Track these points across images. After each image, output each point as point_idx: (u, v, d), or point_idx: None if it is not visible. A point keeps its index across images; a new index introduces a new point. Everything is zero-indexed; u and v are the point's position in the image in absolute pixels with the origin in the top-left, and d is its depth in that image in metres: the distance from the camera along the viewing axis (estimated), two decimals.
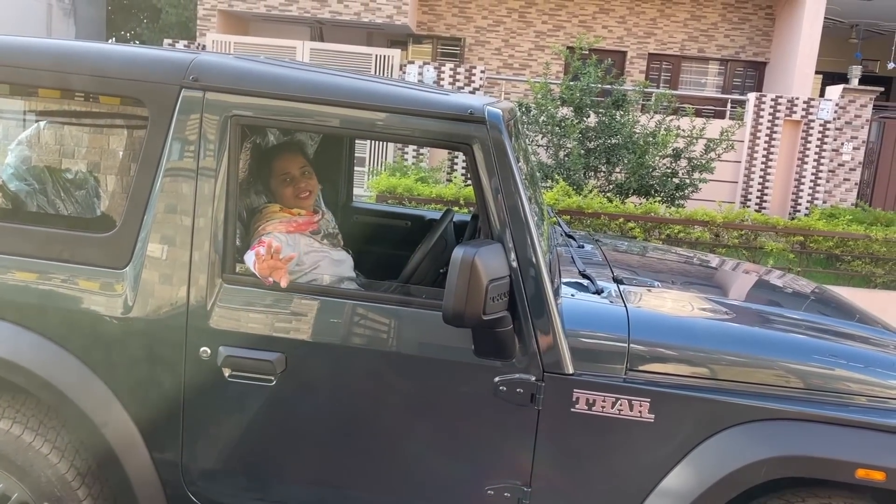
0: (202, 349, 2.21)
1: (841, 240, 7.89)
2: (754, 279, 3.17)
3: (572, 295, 2.39)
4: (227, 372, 2.21)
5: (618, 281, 2.57)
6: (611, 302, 2.36)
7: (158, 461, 2.30)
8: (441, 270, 2.67)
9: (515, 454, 2.19)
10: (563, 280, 2.50)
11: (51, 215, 2.46)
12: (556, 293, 2.25)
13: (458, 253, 1.98)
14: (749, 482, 2.09)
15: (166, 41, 12.43)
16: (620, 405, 2.14)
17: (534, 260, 2.14)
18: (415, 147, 10.41)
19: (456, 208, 6.68)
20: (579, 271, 2.59)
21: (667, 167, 9.14)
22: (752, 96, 10.75)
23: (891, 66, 13.77)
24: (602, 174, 9.28)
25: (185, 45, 12.00)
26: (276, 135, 2.85)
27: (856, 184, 11.17)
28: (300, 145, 2.85)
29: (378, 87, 2.24)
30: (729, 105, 11.88)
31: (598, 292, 2.42)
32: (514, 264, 2.13)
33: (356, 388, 2.22)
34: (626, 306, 2.31)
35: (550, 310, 2.14)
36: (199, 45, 12.15)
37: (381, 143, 10.47)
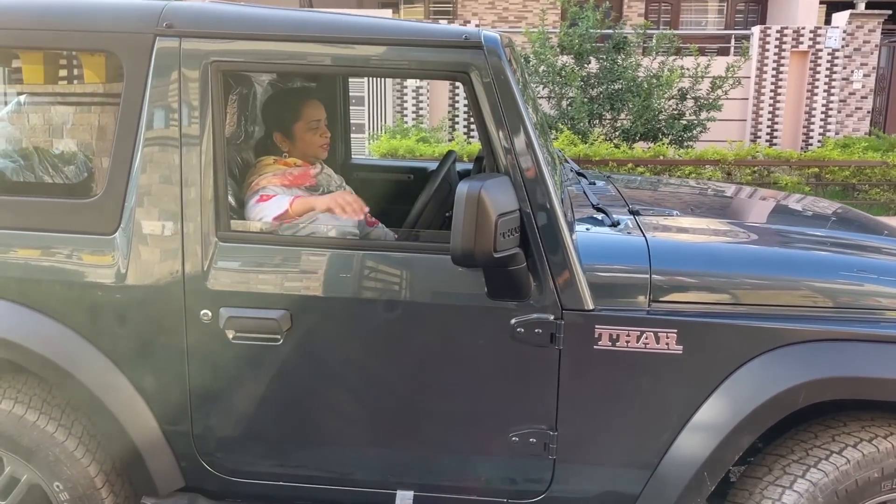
0: (202, 312, 2.10)
1: (857, 168, 7.70)
2: (773, 204, 3.03)
3: (587, 229, 2.26)
4: (230, 334, 2.10)
5: (634, 213, 2.44)
6: (628, 233, 2.24)
7: (169, 433, 2.21)
8: (447, 214, 2.54)
9: (538, 398, 2.09)
10: (577, 215, 2.37)
11: (35, 184, 2.34)
12: (571, 228, 2.13)
13: (463, 188, 1.85)
14: (787, 409, 1.98)
15: None
16: (646, 338, 2.02)
17: (544, 192, 2.01)
18: (414, 108, 10.21)
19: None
20: (593, 205, 2.46)
21: (673, 109, 8.93)
22: (756, 30, 10.46)
23: None
24: (607, 121, 9.08)
25: None
26: (263, 85, 2.71)
27: (868, 112, 10.90)
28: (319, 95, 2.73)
29: (367, 21, 2.10)
30: (733, 41, 11.57)
31: (615, 225, 2.29)
32: (524, 197, 2.00)
33: (366, 342, 2.11)
34: (644, 236, 2.18)
35: (565, 244, 2.01)
36: None
37: (379, 106, 10.27)
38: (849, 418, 2.08)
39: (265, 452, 2.22)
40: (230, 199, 2.23)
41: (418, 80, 10.27)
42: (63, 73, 2.74)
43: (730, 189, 3.33)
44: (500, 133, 2.01)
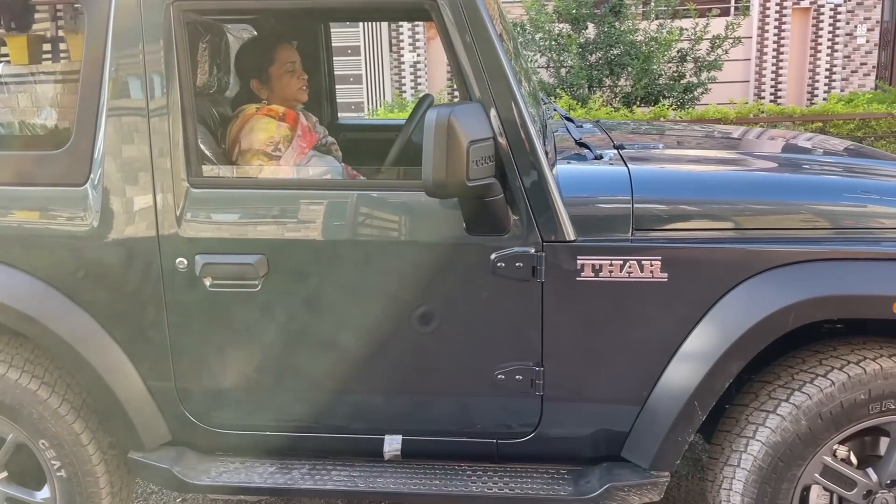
0: (178, 260, 2.06)
1: (862, 121, 7.56)
2: (780, 139, 2.95)
3: (568, 162, 2.21)
4: (207, 282, 2.07)
5: (618, 147, 2.38)
6: (611, 164, 2.18)
7: (152, 387, 2.18)
8: None
9: (523, 333, 2.04)
10: (559, 150, 2.31)
11: (4, 139, 2.31)
12: (550, 159, 2.07)
13: (432, 115, 1.79)
14: (777, 332, 1.93)
15: None
16: (630, 267, 1.97)
17: (521, 120, 1.95)
18: (412, 83, 10.13)
19: None
20: (576, 141, 2.40)
21: (673, 71, 8.80)
22: None
23: None
24: (606, 87, 8.95)
25: None
26: (237, 34, 2.67)
27: (873, 67, 10.71)
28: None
29: None
30: (733, 2, 11.38)
31: (598, 158, 2.23)
32: (499, 127, 1.94)
33: (345, 285, 2.07)
34: (627, 167, 2.12)
35: (543, 173, 1.96)
36: None
37: (377, 84, 10.19)
38: (839, 343, 2.02)
39: (250, 403, 2.19)
40: (201, 145, 2.18)
41: (416, 55, 10.18)
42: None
43: (737, 131, 3.25)
44: (472, 62, 1.95)
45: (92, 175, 2.07)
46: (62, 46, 2.50)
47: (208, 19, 2.45)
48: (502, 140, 1.94)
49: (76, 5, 2.09)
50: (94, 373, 2.13)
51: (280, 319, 2.10)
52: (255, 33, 3.00)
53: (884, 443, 2.03)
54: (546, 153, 2.01)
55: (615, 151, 2.31)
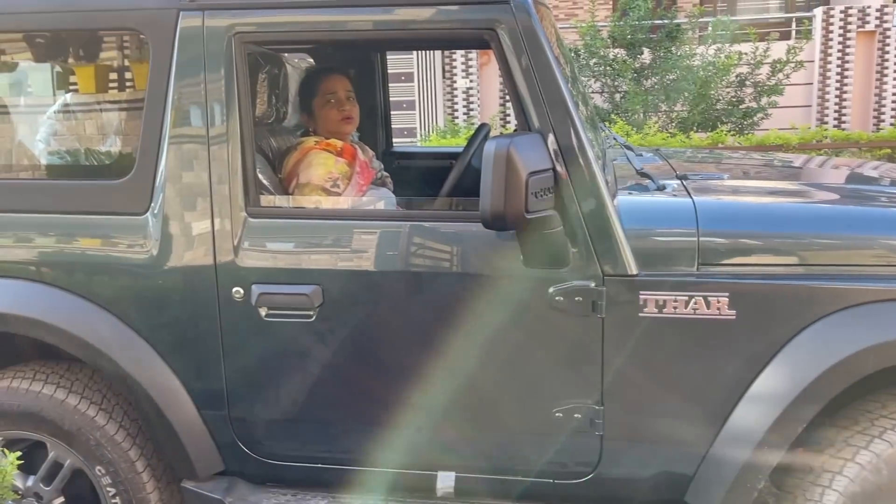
0: (234, 290, 2.06)
1: None
2: (845, 169, 2.83)
3: (630, 193, 2.14)
4: (263, 311, 2.06)
5: (682, 178, 2.30)
6: (674, 196, 2.11)
7: (206, 416, 2.18)
8: None
9: (582, 370, 1.97)
10: (620, 180, 2.25)
11: (67, 167, 2.37)
12: (611, 190, 2.01)
13: (491, 146, 1.76)
14: (855, 375, 1.82)
15: None
16: (695, 304, 1.89)
17: (581, 151, 1.90)
18: (465, 108, 10.15)
19: None
20: (637, 170, 2.34)
21: (731, 96, 8.62)
22: (818, 11, 10.03)
23: None
24: (662, 112, 8.83)
25: None
26: (295, 64, 2.69)
27: None
28: (346, 71, 2.68)
29: None
30: (794, 25, 11.13)
31: (660, 189, 2.16)
32: (559, 158, 1.89)
33: (399, 317, 2.04)
34: (692, 198, 2.05)
35: (605, 204, 1.90)
36: None
37: (430, 110, 10.24)
38: None
39: (304, 435, 2.17)
40: (259, 176, 2.19)
41: (468, 81, 10.21)
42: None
43: (798, 160, 3.14)
44: (531, 92, 1.91)
45: (153, 204, 2.10)
46: (128, 76, 2.55)
47: (268, 50, 2.48)
48: (561, 169, 1.89)
49: (142, 36, 2.13)
50: (150, 400, 2.14)
51: (334, 350, 2.07)
52: (313, 62, 3.03)
53: None
54: (606, 182, 1.95)
55: (679, 182, 2.24)
